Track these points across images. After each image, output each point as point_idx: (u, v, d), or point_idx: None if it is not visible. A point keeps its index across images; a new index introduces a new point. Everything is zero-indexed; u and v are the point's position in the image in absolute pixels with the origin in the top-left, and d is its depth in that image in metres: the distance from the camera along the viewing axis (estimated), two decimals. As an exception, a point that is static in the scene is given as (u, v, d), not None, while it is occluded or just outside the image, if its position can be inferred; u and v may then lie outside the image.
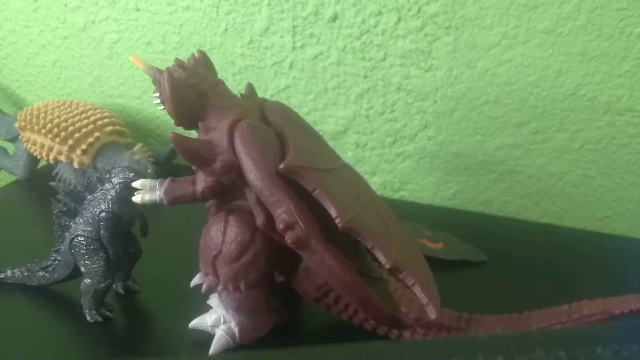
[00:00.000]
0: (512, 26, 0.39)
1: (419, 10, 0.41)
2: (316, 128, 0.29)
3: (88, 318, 0.29)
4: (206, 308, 0.28)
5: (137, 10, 0.48)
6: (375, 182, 0.49)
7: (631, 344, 0.18)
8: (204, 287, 0.27)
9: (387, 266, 0.24)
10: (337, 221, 0.23)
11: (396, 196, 0.49)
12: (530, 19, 0.39)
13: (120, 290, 0.32)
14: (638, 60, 0.38)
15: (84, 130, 0.43)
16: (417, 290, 0.24)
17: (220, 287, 0.27)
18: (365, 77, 0.44)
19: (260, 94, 0.29)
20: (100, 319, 0.29)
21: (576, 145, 0.41)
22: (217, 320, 0.27)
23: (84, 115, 0.44)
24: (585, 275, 0.36)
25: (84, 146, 0.43)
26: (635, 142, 0.40)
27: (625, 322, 0.26)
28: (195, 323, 0.28)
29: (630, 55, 0.38)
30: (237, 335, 0.27)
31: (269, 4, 0.44)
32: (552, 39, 0.39)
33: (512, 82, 0.41)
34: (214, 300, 0.28)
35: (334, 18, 0.44)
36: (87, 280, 0.29)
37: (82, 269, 0.29)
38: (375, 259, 0.24)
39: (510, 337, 0.22)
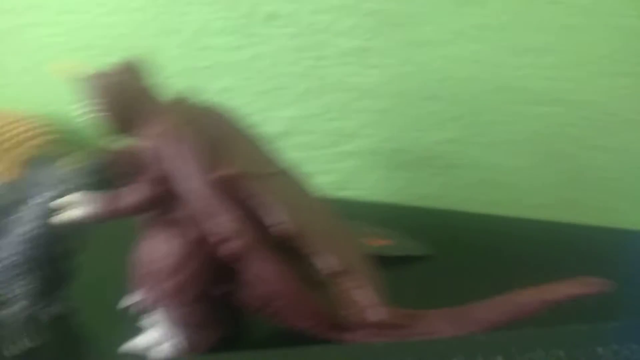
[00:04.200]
0: (450, 21, 0.40)
1: (357, 8, 0.41)
2: (257, 130, 0.29)
3: (10, 352, 0.27)
4: (142, 329, 0.27)
5: (65, 13, 0.46)
6: (319, 182, 0.48)
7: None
8: (140, 306, 0.26)
9: (331, 270, 0.24)
10: (277, 227, 0.23)
11: (342, 195, 0.48)
12: (466, 13, 0.39)
13: (50, 315, 0.30)
14: (562, 53, 0.40)
15: (7, 144, 0.41)
16: (361, 292, 0.24)
17: (161, 304, 0.26)
18: (306, 76, 0.44)
19: (197, 97, 0.28)
20: (24, 349, 0.27)
21: (511, 137, 0.43)
22: (160, 338, 0.26)
23: (8, 127, 0.42)
24: (527, 263, 0.37)
25: (9, 160, 0.40)
26: (565, 131, 0.42)
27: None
28: (133, 345, 0.27)
29: (557, 47, 0.39)
30: (186, 349, 0.26)
31: (201, 4, 0.43)
32: (484, 34, 0.40)
33: (448, 76, 0.41)
34: (152, 319, 0.27)
35: (271, 17, 0.43)
36: (14, 307, 0.27)
37: (8, 295, 0.27)
38: (317, 263, 0.24)
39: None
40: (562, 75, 0.40)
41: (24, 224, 0.27)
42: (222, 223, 0.22)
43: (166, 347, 0.26)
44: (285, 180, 0.28)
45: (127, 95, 0.25)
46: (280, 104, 0.45)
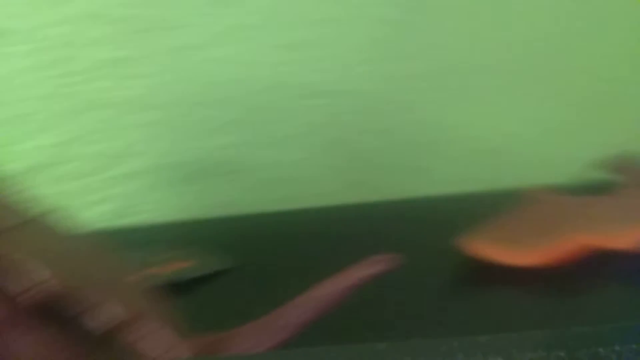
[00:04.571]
0: (208, 24, 0.38)
1: (101, 16, 0.37)
2: (2, 168, 0.23)
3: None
4: None
5: None
6: (99, 213, 0.43)
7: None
8: None
9: (113, 322, 0.20)
10: (35, 290, 0.19)
11: (124, 223, 0.44)
12: (221, 15, 0.38)
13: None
14: (325, 45, 0.41)
15: None
16: (154, 338, 0.21)
17: None
18: (53, 97, 0.38)
19: None
20: None
21: (291, 132, 0.43)
22: None
23: None
24: (333, 249, 0.38)
25: None
26: (339, 120, 0.44)
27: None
28: None
29: (319, 40, 0.41)
30: None
31: None
32: (244, 34, 0.39)
33: (217, 80, 0.40)
34: None
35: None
36: None
37: None
38: (94, 318, 0.21)
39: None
40: (328, 67, 0.42)
41: None
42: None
43: None
44: (38, 228, 0.23)
45: None
46: (26, 133, 0.39)
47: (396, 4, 0.40)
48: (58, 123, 0.39)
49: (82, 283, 0.21)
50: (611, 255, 0.35)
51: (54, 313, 0.20)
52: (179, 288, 0.34)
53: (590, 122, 0.49)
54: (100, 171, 0.41)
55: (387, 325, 0.31)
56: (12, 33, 0.37)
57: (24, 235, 0.22)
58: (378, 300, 0.30)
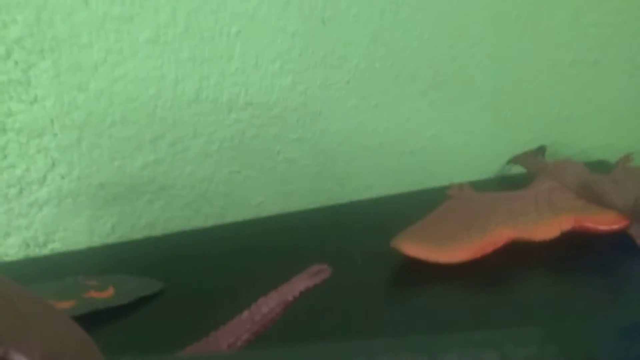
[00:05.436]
0: (113, 41, 0.36)
1: (4, 37, 0.34)
2: None
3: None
4: None
5: None
6: (12, 245, 0.40)
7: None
8: None
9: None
10: None
11: (46, 251, 0.41)
12: (129, 30, 0.37)
13: None
14: (243, 57, 0.41)
15: None
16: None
17: None
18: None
19: None
20: None
21: (214, 146, 0.42)
22: None
23: None
24: (258, 266, 0.38)
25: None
26: (262, 131, 0.43)
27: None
28: None
29: (235, 54, 0.40)
30: None
31: None
32: (159, 49, 0.38)
33: (134, 98, 0.38)
34: None
35: None
36: None
37: None
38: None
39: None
40: (246, 79, 0.41)
41: None
42: None
43: None
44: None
45: None
46: None
47: (306, 16, 0.41)
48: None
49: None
50: (531, 246, 0.37)
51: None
52: (105, 316, 0.32)
53: (504, 120, 0.52)
54: (14, 198, 0.38)
55: (331, 331, 0.31)
56: None
57: None
58: (319, 308, 0.30)
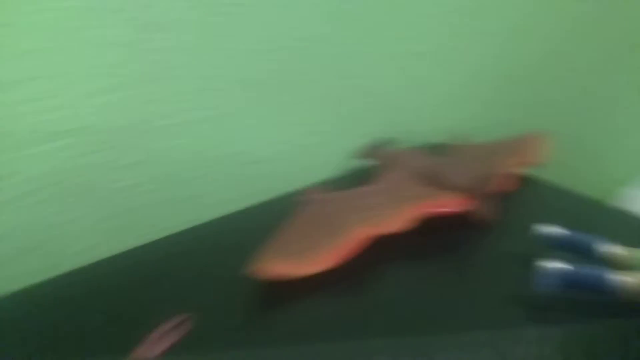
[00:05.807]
0: None
1: None
2: None
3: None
4: None
5: None
6: None
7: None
8: None
9: None
10: None
11: None
12: None
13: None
14: (50, 77, 0.35)
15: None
16: None
17: None
18: None
19: None
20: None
21: (34, 185, 0.36)
22: None
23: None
24: (113, 310, 0.32)
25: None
26: (87, 161, 0.38)
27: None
28: None
29: (39, 75, 0.34)
30: None
31: None
32: None
33: None
34: None
35: None
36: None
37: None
38: None
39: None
40: (61, 102, 0.36)
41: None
42: None
43: None
44: None
45: None
46: None
47: (129, 24, 0.36)
48: None
49: None
50: (390, 238, 0.37)
51: None
52: None
53: (350, 116, 0.53)
54: None
55: None
56: None
57: None
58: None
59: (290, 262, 0.34)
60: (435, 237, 0.40)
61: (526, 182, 0.46)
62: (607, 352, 0.24)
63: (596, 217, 0.43)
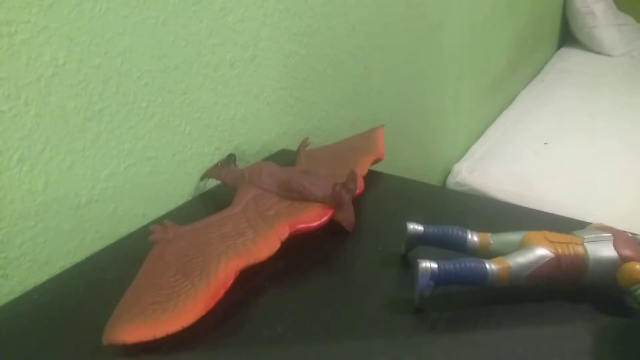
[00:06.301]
0: None
1: None
2: None
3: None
4: None
5: None
6: None
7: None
8: None
9: None
10: None
11: None
12: None
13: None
14: None
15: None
16: None
17: None
18: None
19: None
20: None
21: None
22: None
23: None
24: None
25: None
26: None
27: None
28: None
29: None
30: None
31: None
32: None
33: None
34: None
35: None
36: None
37: None
38: None
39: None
40: None
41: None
42: None
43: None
44: None
45: None
46: None
47: None
48: None
49: None
50: (259, 266, 0.34)
51: None
52: None
53: (185, 135, 0.47)
54: None
55: None
56: None
57: None
58: None
59: (148, 323, 0.28)
60: (304, 253, 0.37)
61: (371, 178, 0.46)
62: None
63: (451, 204, 0.45)
